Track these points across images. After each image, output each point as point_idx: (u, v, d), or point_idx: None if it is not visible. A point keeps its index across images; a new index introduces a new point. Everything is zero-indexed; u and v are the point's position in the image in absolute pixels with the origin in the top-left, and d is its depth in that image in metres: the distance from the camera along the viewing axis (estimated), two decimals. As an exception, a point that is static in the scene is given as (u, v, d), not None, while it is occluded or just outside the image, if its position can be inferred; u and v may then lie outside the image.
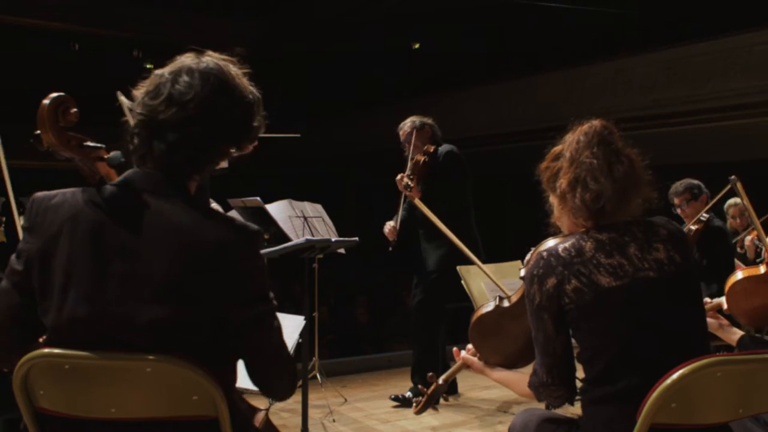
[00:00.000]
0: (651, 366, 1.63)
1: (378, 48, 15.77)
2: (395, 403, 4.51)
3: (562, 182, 1.82)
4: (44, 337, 1.52)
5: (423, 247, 4.67)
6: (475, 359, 2.15)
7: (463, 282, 3.43)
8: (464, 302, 3.45)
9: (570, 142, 1.85)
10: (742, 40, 9.74)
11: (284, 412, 4.23)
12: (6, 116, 13.65)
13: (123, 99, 2.23)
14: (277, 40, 16.30)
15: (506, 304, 2.09)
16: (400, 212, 4.56)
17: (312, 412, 3.98)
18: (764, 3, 9.48)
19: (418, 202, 2.73)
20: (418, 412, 2.35)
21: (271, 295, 1.53)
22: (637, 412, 1.60)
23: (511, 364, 2.10)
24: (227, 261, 1.44)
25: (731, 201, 5.50)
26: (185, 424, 1.48)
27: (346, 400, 4.54)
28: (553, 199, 1.89)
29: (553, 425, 1.89)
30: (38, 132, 1.53)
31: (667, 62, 10.62)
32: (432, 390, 2.32)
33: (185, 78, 1.50)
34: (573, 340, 1.80)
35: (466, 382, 4.89)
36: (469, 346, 2.19)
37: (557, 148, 1.88)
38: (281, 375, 1.59)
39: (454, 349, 2.24)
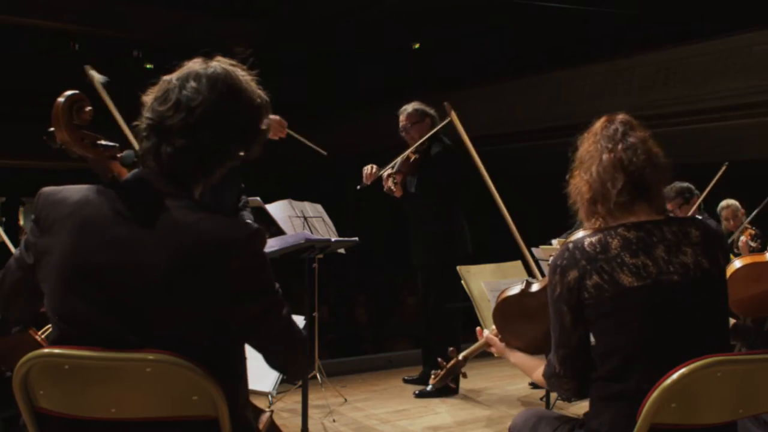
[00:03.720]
0: (663, 369, 1.61)
1: (378, 48, 15.76)
2: (408, 399, 4.58)
3: (577, 178, 1.83)
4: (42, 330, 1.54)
5: (414, 238, 4.74)
6: (497, 340, 2.16)
7: (463, 282, 3.42)
8: (465, 302, 3.45)
9: (586, 143, 1.85)
10: (742, 40, 9.75)
11: (284, 412, 4.23)
12: (6, 116, 13.67)
13: (94, 74, 2.08)
14: (276, 40, 16.29)
15: (534, 288, 2.05)
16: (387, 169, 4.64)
17: (312, 412, 3.97)
18: (764, 3, 9.48)
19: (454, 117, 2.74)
20: (436, 384, 2.41)
21: (276, 286, 1.55)
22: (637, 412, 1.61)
23: (533, 350, 2.09)
24: (227, 260, 1.44)
25: (724, 203, 5.47)
26: (185, 424, 1.48)
27: (346, 400, 4.54)
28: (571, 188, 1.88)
29: (553, 424, 1.89)
30: (52, 129, 1.54)
31: (667, 62, 10.62)
32: (451, 364, 2.36)
33: (192, 84, 1.52)
34: (591, 335, 1.79)
35: (467, 383, 4.88)
36: (493, 327, 2.19)
37: (581, 142, 1.88)
38: (294, 359, 1.63)
39: (477, 328, 2.26)
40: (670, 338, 1.67)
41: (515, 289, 2.09)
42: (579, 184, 1.83)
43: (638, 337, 1.68)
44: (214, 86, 1.52)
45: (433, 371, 2.41)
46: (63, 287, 1.44)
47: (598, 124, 1.87)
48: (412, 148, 4.59)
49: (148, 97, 1.55)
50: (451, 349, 2.37)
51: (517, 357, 2.09)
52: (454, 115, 2.68)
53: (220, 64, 1.57)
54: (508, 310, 2.10)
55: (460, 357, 2.35)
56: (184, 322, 1.44)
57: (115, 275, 1.43)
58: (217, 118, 1.52)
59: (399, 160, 4.61)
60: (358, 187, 4.56)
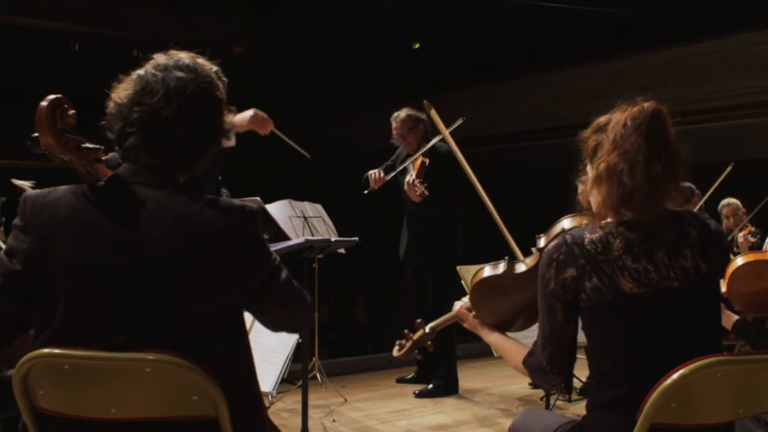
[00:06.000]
0: (655, 375, 1.59)
1: (378, 48, 15.76)
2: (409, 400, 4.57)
3: (600, 165, 1.71)
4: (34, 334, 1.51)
5: (415, 244, 4.73)
6: (470, 315, 2.09)
7: (463, 282, 3.43)
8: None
9: (617, 122, 1.74)
10: (742, 40, 9.74)
11: (284, 413, 4.23)
12: (6, 116, 13.65)
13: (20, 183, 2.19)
14: (276, 40, 16.30)
15: (521, 269, 1.97)
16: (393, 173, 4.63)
17: (312, 412, 3.97)
18: (764, 3, 9.47)
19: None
20: (401, 356, 2.29)
21: (272, 257, 1.56)
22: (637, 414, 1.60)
23: (505, 326, 2.04)
24: (231, 247, 1.46)
25: (725, 201, 5.51)
26: (185, 424, 1.48)
27: (346, 400, 4.54)
28: (589, 173, 1.79)
29: (554, 425, 1.88)
30: (36, 134, 1.52)
31: (667, 62, 10.61)
32: (418, 336, 2.26)
33: (178, 73, 1.51)
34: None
35: (466, 383, 4.89)
36: (465, 299, 2.12)
37: (602, 119, 1.78)
38: (295, 319, 1.67)
39: (456, 302, 2.17)
40: (664, 343, 1.66)
41: (497, 270, 2.01)
42: (602, 175, 1.72)
43: (632, 341, 1.66)
44: (197, 74, 1.53)
45: (397, 341, 2.31)
46: (68, 291, 1.42)
47: (631, 110, 1.75)
48: (422, 151, 4.57)
49: (120, 95, 1.52)
50: (418, 321, 2.29)
51: (494, 336, 2.02)
52: (434, 113, 2.76)
53: (186, 55, 1.57)
54: (488, 289, 2.02)
55: (427, 329, 2.26)
56: (192, 315, 1.44)
57: (121, 275, 1.42)
58: (208, 105, 1.53)
59: (410, 164, 4.59)
60: (366, 192, 4.59)
